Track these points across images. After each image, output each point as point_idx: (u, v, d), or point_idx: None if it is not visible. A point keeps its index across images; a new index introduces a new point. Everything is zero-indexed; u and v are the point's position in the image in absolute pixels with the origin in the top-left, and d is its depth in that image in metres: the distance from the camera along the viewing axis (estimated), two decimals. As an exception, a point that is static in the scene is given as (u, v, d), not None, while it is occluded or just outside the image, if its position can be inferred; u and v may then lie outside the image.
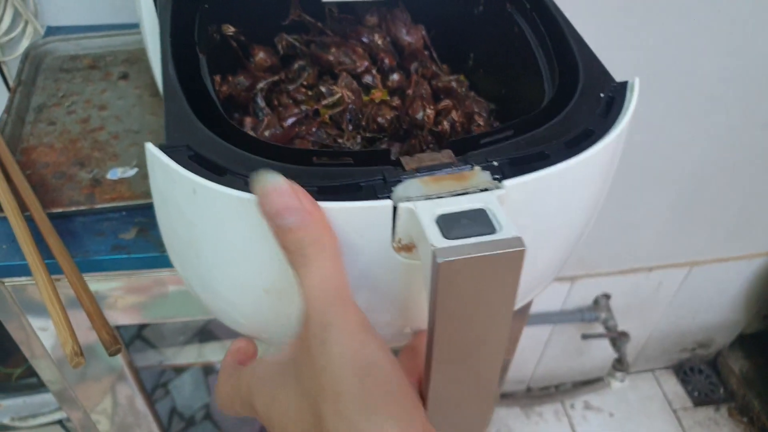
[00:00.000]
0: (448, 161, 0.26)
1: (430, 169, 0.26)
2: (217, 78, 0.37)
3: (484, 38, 0.42)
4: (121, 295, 0.49)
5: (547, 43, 0.35)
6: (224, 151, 0.27)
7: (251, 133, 0.35)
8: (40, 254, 0.40)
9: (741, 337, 1.51)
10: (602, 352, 1.34)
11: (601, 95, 0.31)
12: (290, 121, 0.37)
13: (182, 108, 0.29)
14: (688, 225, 1.14)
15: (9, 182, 0.44)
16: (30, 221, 0.43)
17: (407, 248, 0.27)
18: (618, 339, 1.22)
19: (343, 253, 0.26)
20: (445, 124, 0.37)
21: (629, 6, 0.75)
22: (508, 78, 0.41)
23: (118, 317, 0.52)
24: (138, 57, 0.59)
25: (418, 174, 0.26)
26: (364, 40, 0.41)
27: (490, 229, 0.23)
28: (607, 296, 1.24)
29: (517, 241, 0.23)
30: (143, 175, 0.48)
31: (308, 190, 0.25)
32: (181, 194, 0.26)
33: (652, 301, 1.31)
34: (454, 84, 0.40)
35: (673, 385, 1.53)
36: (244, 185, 0.25)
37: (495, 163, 0.26)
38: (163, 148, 0.27)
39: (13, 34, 0.63)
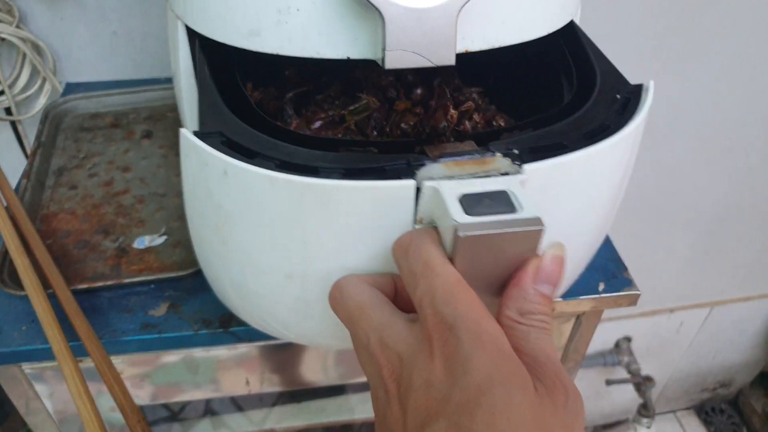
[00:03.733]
0: (469, 149, 0.27)
1: (453, 155, 0.27)
2: (249, 84, 0.37)
3: (503, 56, 0.41)
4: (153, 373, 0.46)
5: (567, 56, 0.36)
6: (255, 138, 0.28)
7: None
8: (66, 340, 0.37)
9: (762, 375, 1.48)
10: (624, 394, 1.30)
11: (618, 96, 0.32)
12: (317, 124, 0.37)
13: (215, 100, 0.30)
14: (708, 265, 1.12)
15: (30, 256, 0.42)
16: (53, 297, 0.40)
17: None
18: (642, 384, 1.18)
19: (365, 231, 0.27)
20: (467, 124, 0.38)
21: (653, 55, 0.75)
22: (527, 92, 0.41)
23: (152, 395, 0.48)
24: (162, 114, 0.57)
25: (441, 159, 0.27)
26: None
27: (512, 208, 0.24)
28: (628, 339, 1.21)
29: (537, 220, 0.24)
30: (172, 243, 0.46)
31: (334, 172, 0.26)
32: (212, 176, 0.27)
33: (673, 342, 1.28)
34: (475, 95, 0.41)
35: (695, 427, 1.48)
36: (274, 167, 0.26)
37: (515, 151, 0.27)
38: (197, 134, 0.27)
39: (30, 92, 0.61)
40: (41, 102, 0.61)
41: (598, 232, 0.34)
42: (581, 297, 0.43)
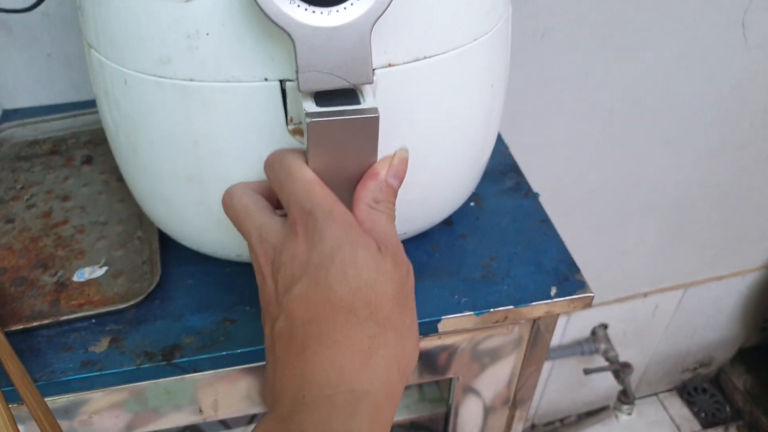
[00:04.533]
0: None
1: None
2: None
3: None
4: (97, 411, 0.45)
5: None
6: None
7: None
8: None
9: (741, 352, 1.50)
10: (605, 381, 1.30)
11: None
12: None
13: None
14: (678, 248, 1.13)
15: (-38, 299, 0.40)
16: (-13, 340, 0.39)
17: (299, 132, 0.32)
18: (621, 371, 1.19)
19: (246, 131, 0.32)
20: None
21: (608, 43, 0.74)
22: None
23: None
24: (102, 137, 0.55)
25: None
26: None
27: (356, 102, 0.29)
28: (604, 326, 1.22)
29: (374, 110, 0.28)
30: (114, 274, 0.44)
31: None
32: (117, 87, 0.32)
33: (649, 326, 1.29)
34: None
35: (678, 408, 1.50)
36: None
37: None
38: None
39: (-35, 121, 0.58)
40: (-22, 131, 0.59)
41: (466, 136, 0.38)
42: (533, 303, 0.43)
